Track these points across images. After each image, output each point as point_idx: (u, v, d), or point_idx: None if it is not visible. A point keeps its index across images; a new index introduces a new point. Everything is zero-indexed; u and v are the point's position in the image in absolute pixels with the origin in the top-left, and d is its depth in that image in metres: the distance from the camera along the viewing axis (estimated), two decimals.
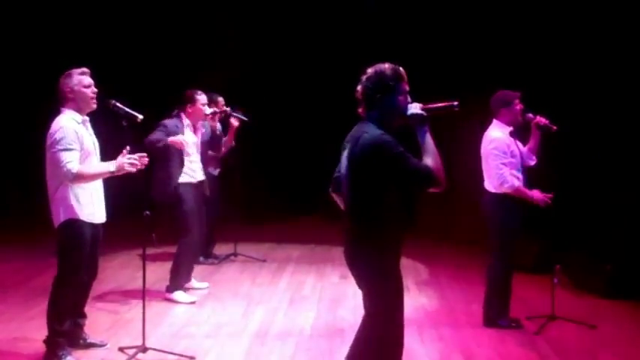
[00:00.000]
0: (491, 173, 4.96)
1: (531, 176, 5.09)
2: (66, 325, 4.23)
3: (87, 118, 4.26)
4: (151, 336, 4.60)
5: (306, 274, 6.74)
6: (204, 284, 6.15)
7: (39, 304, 4.83)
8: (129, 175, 4.17)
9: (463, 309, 5.56)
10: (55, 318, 4.19)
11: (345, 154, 3.27)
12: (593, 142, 6.91)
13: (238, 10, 9.59)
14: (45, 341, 4.24)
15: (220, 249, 7.30)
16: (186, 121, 5.79)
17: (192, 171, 5.80)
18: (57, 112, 4.20)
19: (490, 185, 5.02)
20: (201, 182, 5.92)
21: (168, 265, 5.85)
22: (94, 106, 4.25)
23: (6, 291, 5.85)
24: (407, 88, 3.27)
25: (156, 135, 5.49)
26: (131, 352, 4.33)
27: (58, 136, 4.04)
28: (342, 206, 3.42)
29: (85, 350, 4.44)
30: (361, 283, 3.27)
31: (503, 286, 5.04)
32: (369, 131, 3.14)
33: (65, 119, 4.13)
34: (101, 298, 5.64)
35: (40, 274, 6.11)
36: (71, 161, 4.03)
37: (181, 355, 4.36)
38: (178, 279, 5.71)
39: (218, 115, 6.62)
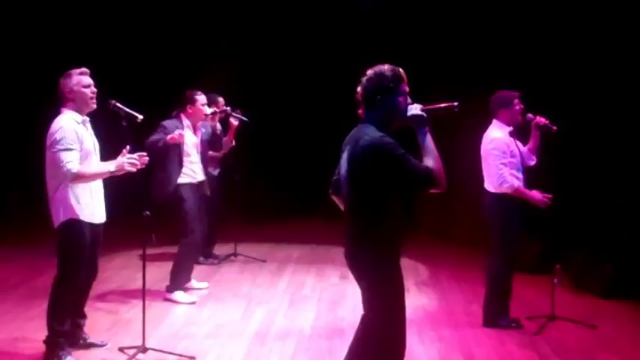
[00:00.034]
0: (491, 173, 4.96)
1: (531, 176, 5.09)
2: (66, 325, 4.23)
3: (87, 118, 4.26)
4: (150, 336, 4.60)
5: (306, 274, 6.74)
6: (204, 284, 6.15)
7: (39, 304, 4.83)
8: (129, 175, 4.17)
9: (463, 309, 5.56)
10: (55, 318, 4.19)
11: (344, 156, 3.27)
12: (593, 142, 6.90)
13: (238, 11, 9.59)
14: (45, 341, 4.24)
15: (220, 249, 7.30)
16: (185, 122, 5.79)
17: (193, 171, 5.80)
18: (57, 113, 4.20)
19: (490, 185, 5.02)
20: (201, 182, 5.92)
21: (168, 266, 5.86)
22: (94, 106, 4.25)
23: (6, 291, 5.86)
24: (407, 89, 3.26)
25: (155, 136, 5.50)
26: (131, 352, 4.33)
27: (58, 136, 4.05)
28: (342, 208, 3.42)
29: (85, 350, 4.44)
30: (362, 283, 3.27)
31: (504, 286, 5.04)
32: (370, 133, 3.14)
33: (65, 119, 4.13)
34: (101, 298, 5.64)
35: (40, 274, 6.12)
36: (71, 161, 4.03)
37: (181, 356, 4.36)
38: (179, 279, 5.72)
39: (218, 114, 6.64)
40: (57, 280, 4.21)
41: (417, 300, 5.80)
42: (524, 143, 5.20)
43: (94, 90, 4.24)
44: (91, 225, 4.22)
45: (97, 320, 4.96)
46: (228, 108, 6.68)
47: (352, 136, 3.26)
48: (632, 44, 6.58)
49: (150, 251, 5.40)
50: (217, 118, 6.69)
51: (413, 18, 8.68)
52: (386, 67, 3.24)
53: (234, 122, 6.73)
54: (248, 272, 6.77)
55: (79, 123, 4.17)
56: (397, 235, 3.22)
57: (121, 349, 4.43)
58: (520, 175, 4.99)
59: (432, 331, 4.98)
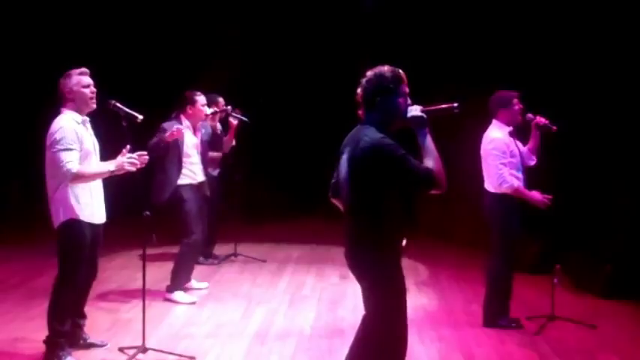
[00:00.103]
0: (491, 173, 4.96)
1: (531, 176, 5.09)
2: (67, 325, 4.23)
3: (87, 118, 4.26)
4: (150, 336, 4.60)
5: (306, 274, 6.74)
6: (204, 284, 6.15)
7: (39, 304, 4.83)
8: (129, 175, 4.18)
9: (463, 309, 5.56)
10: (55, 318, 4.19)
11: (344, 157, 3.26)
12: (592, 142, 6.91)
13: (238, 11, 9.59)
14: (45, 341, 4.24)
15: (220, 249, 7.30)
16: (185, 123, 5.79)
17: (193, 172, 5.80)
18: (57, 113, 4.20)
19: (490, 185, 5.02)
20: (202, 183, 5.92)
21: (168, 266, 5.86)
22: (94, 106, 4.25)
23: (6, 291, 5.86)
24: (407, 90, 3.26)
25: (155, 139, 5.51)
26: (131, 352, 4.33)
27: (57, 136, 4.05)
28: (342, 209, 3.42)
29: (85, 350, 4.44)
30: (363, 283, 3.27)
31: (503, 286, 5.04)
32: (370, 134, 3.14)
33: (65, 119, 4.13)
34: (101, 298, 5.64)
35: (40, 275, 6.12)
36: (71, 161, 4.03)
37: (181, 356, 4.36)
38: (179, 279, 5.72)
39: (218, 114, 6.64)
40: (58, 280, 4.21)
41: (417, 300, 5.80)
42: (524, 143, 5.20)
43: (94, 90, 4.24)
44: (91, 225, 4.22)
45: (97, 320, 4.96)
46: (229, 107, 6.68)
47: (352, 138, 3.26)
48: (632, 44, 6.58)
49: (150, 251, 5.40)
50: (217, 117, 6.69)
51: (413, 19, 8.68)
52: (386, 68, 3.24)
53: (234, 122, 6.73)
54: (248, 272, 6.77)
55: (79, 123, 4.17)
56: (397, 236, 3.23)
57: (121, 349, 4.43)
58: (520, 175, 4.99)
59: (432, 331, 4.98)
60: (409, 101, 3.27)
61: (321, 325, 5.16)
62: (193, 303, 5.61)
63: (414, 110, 3.23)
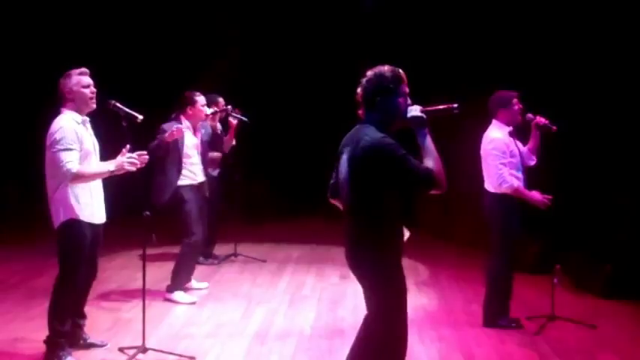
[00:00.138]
0: (491, 173, 4.96)
1: (531, 176, 5.09)
2: (67, 325, 4.23)
3: (87, 119, 4.26)
4: (150, 336, 4.60)
5: (306, 274, 6.74)
6: (204, 284, 6.15)
7: (39, 304, 4.83)
8: (129, 175, 4.18)
9: (463, 309, 5.56)
10: (56, 318, 4.19)
11: (344, 157, 3.26)
12: (592, 142, 6.91)
13: (238, 11, 9.59)
14: (45, 341, 4.24)
15: (220, 249, 7.30)
16: (185, 123, 5.79)
17: (193, 173, 5.80)
18: (57, 113, 4.20)
19: (490, 185, 5.02)
20: (202, 184, 5.92)
21: (168, 266, 5.86)
22: (93, 106, 4.25)
23: (6, 291, 5.86)
24: (407, 90, 3.26)
25: (156, 141, 5.51)
26: (131, 352, 4.33)
27: (57, 136, 4.05)
28: (342, 209, 3.42)
29: (85, 350, 4.44)
30: (363, 283, 3.28)
31: (503, 286, 5.04)
32: (370, 134, 3.14)
33: (65, 119, 4.13)
34: (101, 298, 5.64)
35: (40, 275, 6.12)
36: (71, 161, 4.03)
37: (181, 356, 4.36)
38: (179, 279, 5.72)
39: (218, 114, 6.64)
40: (58, 280, 4.21)
41: (417, 300, 5.80)
42: (524, 143, 5.20)
43: (94, 90, 4.24)
44: (91, 225, 4.22)
45: (97, 320, 4.96)
46: (229, 107, 6.69)
47: (351, 137, 3.26)
48: (632, 44, 6.58)
49: (150, 251, 5.41)
50: (217, 117, 6.69)
51: (413, 19, 8.69)
52: (386, 68, 3.24)
53: (234, 122, 6.73)
54: (248, 272, 6.77)
55: (78, 123, 4.17)
56: (397, 236, 3.23)
57: (121, 349, 4.43)
58: (520, 175, 4.99)
59: (432, 331, 4.98)
60: (409, 101, 3.28)
61: (321, 325, 5.16)
62: (193, 303, 5.61)
63: (414, 110, 3.23)
